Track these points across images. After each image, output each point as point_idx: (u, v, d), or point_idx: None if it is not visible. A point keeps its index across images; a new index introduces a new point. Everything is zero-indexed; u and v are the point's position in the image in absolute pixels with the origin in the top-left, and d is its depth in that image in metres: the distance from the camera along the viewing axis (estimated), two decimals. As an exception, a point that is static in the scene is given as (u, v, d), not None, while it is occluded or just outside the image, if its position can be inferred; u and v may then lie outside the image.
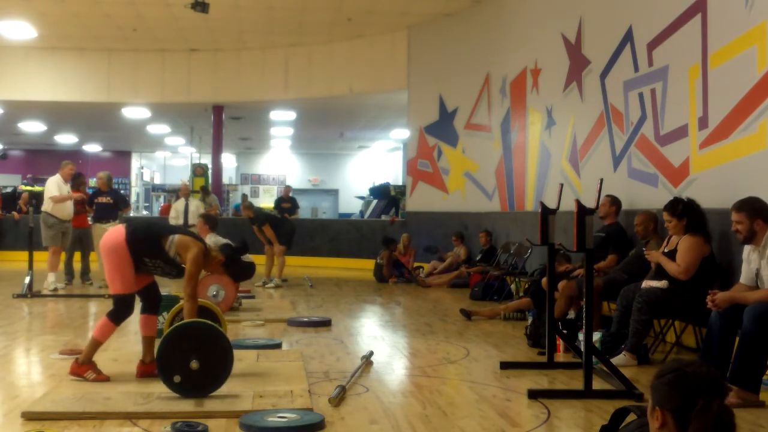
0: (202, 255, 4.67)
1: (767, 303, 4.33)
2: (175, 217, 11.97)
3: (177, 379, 4.10)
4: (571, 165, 8.85)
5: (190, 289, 4.59)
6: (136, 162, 28.00)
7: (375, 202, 17.76)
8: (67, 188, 10.15)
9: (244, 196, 20.58)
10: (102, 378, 4.55)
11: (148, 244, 4.65)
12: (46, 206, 9.97)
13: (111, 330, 4.67)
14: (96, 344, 4.64)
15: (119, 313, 4.64)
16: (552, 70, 9.52)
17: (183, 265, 4.66)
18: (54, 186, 10.03)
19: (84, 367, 4.57)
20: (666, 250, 5.64)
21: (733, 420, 1.86)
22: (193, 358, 4.10)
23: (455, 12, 12.76)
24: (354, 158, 27.80)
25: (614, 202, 7.18)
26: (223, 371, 4.20)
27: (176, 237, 4.68)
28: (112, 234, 4.70)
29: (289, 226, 11.46)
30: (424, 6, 12.64)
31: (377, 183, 20.35)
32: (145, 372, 4.62)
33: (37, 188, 12.62)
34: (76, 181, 11.03)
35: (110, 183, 10.80)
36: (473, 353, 5.92)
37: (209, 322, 4.54)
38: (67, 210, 10.12)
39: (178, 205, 12.22)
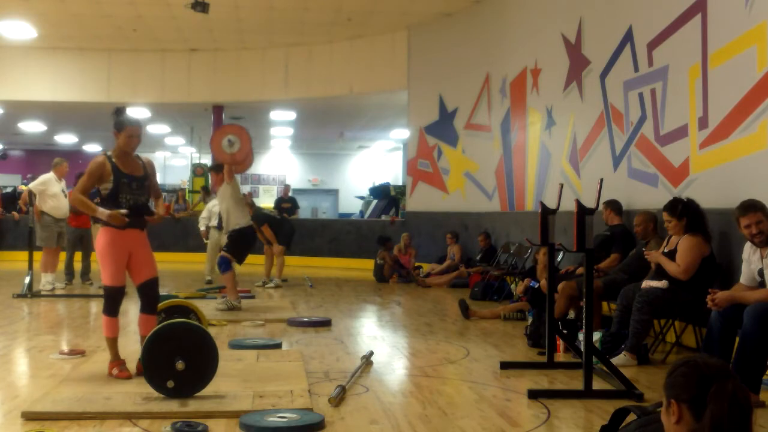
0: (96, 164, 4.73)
1: (767, 303, 4.33)
2: (207, 218, 11.61)
3: (170, 384, 4.08)
4: (571, 165, 8.85)
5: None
6: (136, 162, 27.95)
7: (375, 202, 17.76)
8: (60, 186, 10.10)
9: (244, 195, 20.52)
10: (123, 375, 4.62)
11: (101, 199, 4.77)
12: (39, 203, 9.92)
13: (112, 323, 4.76)
14: (110, 342, 4.77)
15: (108, 305, 4.75)
16: (552, 70, 9.52)
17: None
18: (38, 182, 9.93)
19: (111, 364, 4.72)
20: (666, 250, 5.64)
21: (749, 398, 1.88)
22: (177, 359, 4.06)
23: (455, 12, 12.76)
24: (354, 158, 27.79)
25: (609, 204, 7.17)
26: (210, 364, 4.17)
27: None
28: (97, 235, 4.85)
29: (288, 227, 11.44)
30: (424, 6, 12.64)
31: (377, 183, 20.35)
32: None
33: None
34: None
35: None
36: (473, 353, 5.92)
37: (184, 319, 4.53)
38: (63, 209, 10.10)
39: (212, 205, 11.52)
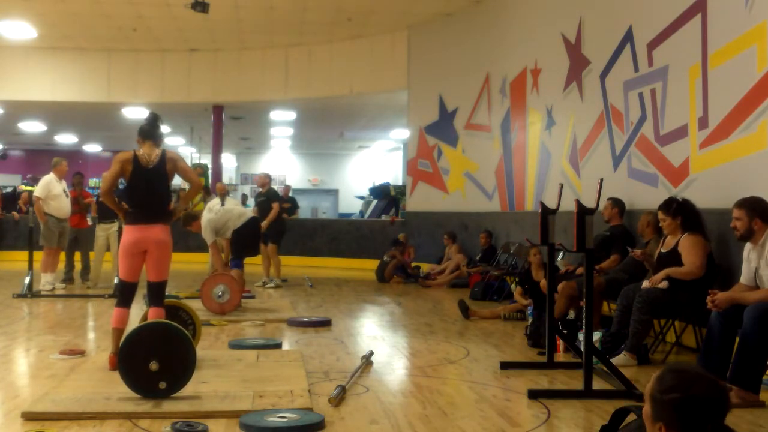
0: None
1: (767, 303, 4.33)
2: None
3: (162, 385, 4.06)
4: (571, 165, 8.85)
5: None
6: (136, 162, 27.95)
7: (375, 202, 17.76)
8: (62, 186, 10.09)
9: (244, 197, 20.56)
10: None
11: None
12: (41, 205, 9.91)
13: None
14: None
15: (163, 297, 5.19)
16: (552, 70, 9.52)
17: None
18: (42, 186, 9.95)
19: None
20: (663, 251, 5.63)
21: None
22: (151, 360, 4.04)
23: (455, 12, 12.76)
24: (354, 158, 27.78)
25: (616, 203, 7.16)
26: (186, 352, 4.14)
27: None
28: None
29: (279, 225, 11.31)
30: (424, 6, 12.64)
31: (377, 183, 20.35)
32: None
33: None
34: (79, 182, 11.00)
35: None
36: (473, 353, 5.92)
37: (142, 324, 4.49)
38: (65, 209, 10.10)
39: (213, 205, 11.60)
